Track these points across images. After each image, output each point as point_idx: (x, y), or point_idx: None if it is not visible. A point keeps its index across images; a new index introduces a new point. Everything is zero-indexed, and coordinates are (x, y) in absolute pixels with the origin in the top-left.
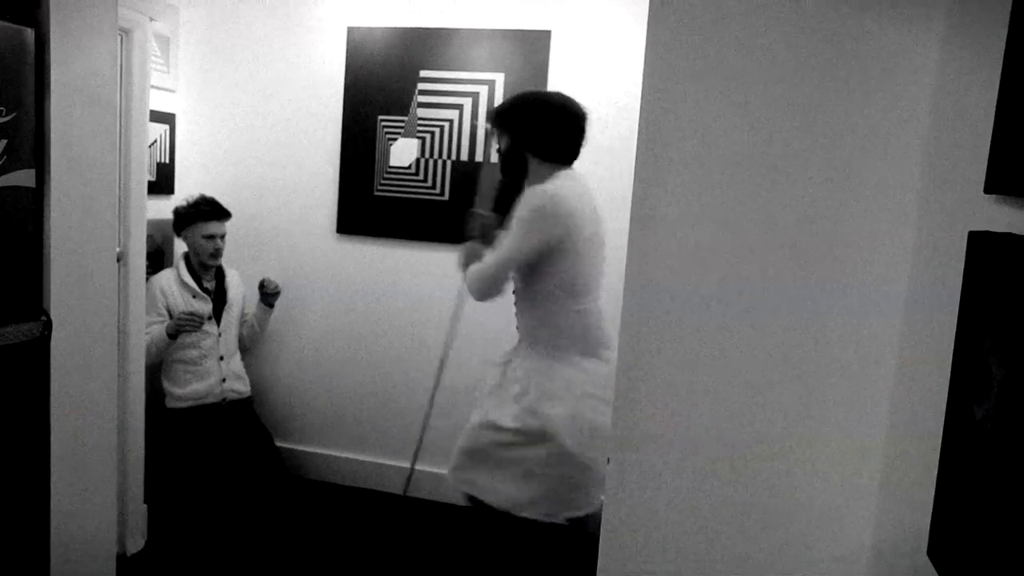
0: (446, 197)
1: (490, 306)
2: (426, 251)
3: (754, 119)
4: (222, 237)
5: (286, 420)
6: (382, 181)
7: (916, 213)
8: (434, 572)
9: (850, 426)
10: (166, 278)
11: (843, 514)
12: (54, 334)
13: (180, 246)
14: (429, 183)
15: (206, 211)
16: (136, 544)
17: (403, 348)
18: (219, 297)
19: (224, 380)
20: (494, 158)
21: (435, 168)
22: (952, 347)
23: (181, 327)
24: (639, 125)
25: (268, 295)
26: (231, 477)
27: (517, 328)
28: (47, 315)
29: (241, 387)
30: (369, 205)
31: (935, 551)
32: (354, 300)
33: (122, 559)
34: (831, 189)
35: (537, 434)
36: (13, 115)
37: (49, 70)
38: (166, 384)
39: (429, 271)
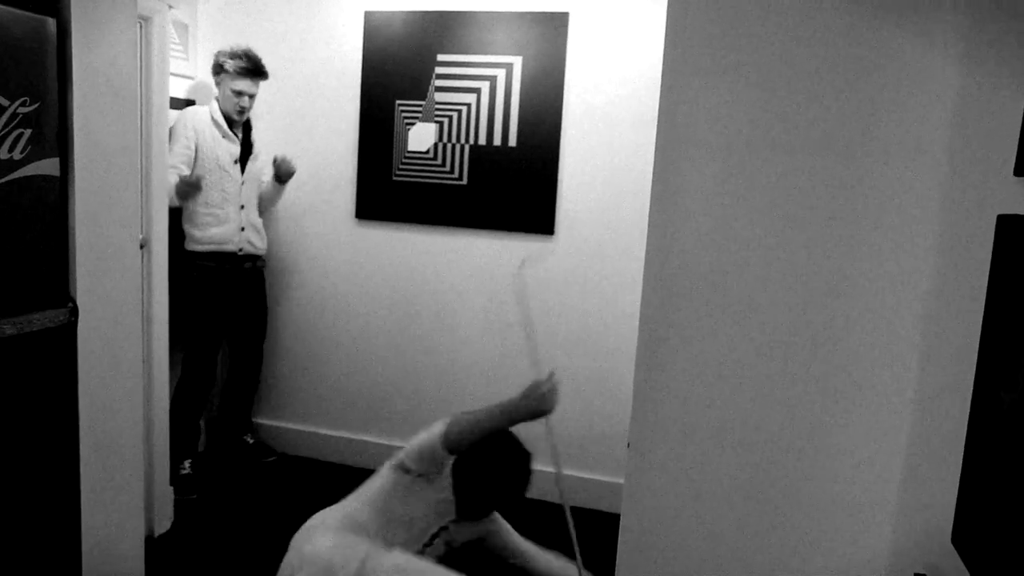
0: (464, 181)
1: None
2: (445, 235)
3: (774, 103)
4: (251, 96)
5: (306, 402)
6: (400, 166)
7: (942, 197)
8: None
9: (874, 412)
10: (199, 114)
11: (866, 500)
12: (80, 320)
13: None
14: (447, 167)
15: (240, 68)
16: (163, 525)
17: (422, 332)
18: (245, 147)
19: (243, 229)
20: (512, 142)
21: (453, 152)
22: (979, 332)
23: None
24: (659, 107)
25: (280, 174)
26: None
27: None
28: (73, 302)
29: (258, 241)
30: (387, 190)
31: (959, 538)
32: (373, 285)
33: (150, 540)
34: (855, 172)
35: None
36: (37, 104)
37: (71, 59)
38: (187, 227)
39: (448, 255)
